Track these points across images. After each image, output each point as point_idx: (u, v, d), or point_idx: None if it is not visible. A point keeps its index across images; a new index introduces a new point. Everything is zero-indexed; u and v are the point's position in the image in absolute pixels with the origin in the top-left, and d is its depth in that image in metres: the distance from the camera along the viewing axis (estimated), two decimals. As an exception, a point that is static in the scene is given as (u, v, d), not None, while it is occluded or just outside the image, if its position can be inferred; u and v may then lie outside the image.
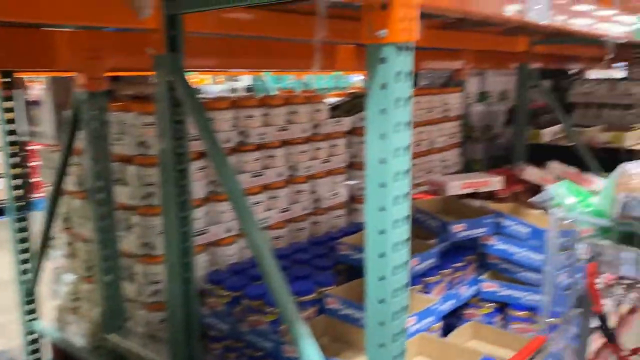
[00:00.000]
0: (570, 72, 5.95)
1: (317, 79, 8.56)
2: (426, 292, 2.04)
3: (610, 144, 3.77)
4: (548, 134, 3.97)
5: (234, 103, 2.35)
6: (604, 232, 1.11)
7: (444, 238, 2.18)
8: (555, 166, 3.34)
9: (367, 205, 1.18)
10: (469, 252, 2.29)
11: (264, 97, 2.58)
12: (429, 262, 2.03)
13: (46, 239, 2.45)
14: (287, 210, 2.52)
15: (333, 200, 2.76)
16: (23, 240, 2.58)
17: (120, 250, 2.14)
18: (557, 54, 4.65)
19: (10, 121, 2.48)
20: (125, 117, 2.12)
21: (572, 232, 1.19)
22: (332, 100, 3.29)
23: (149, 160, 2.06)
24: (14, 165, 2.51)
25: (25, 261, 2.59)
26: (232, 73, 7.55)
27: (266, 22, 2.13)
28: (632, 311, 1.51)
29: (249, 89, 8.16)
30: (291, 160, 2.57)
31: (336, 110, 3.06)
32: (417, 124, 3.41)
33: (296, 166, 2.57)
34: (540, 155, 3.83)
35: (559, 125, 4.02)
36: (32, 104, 2.76)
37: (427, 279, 2.05)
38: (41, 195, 2.63)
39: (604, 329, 1.17)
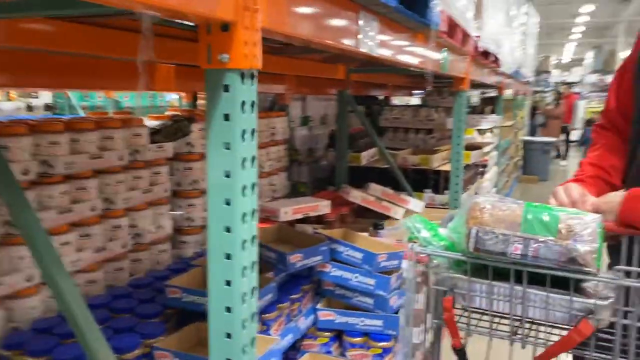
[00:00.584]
0: (379, 99, 6.44)
1: (130, 97, 7.97)
2: (266, 331, 1.93)
3: (420, 165, 4.09)
4: (366, 157, 4.17)
5: (35, 127, 1.99)
6: (457, 265, 1.12)
7: (281, 269, 2.09)
8: (375, 187, 3.51)
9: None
10: (305, 281, 2.24)
11: (72, 120, 2.24)
12: (268, 298, 1.92)
13: None
14: (102, 250, 2.20)
15: (156, 234, 2.50)
16: None
17: None
18: (368, 82, 4.96)
19: None
20: None
21: (427, 264, 1.17)
22: (152, 122, 3.02)
23: None
24: None
25: None
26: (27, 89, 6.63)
27: (75, 36, 1.83)
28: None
29: (49, 106, 7.25)
30: (106, 191, 2.26)
31: (157, 135, 2.81)
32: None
33: (112, 198, 2.27)
34: (360, 177, 4.03)
35: (374, 149, 4.25)
36: None
37: (266, 315, 1.93)
38: None
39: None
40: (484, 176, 5.26)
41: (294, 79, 3.92)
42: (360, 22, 1.62)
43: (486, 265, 1.08)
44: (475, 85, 6.18)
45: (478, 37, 3.63)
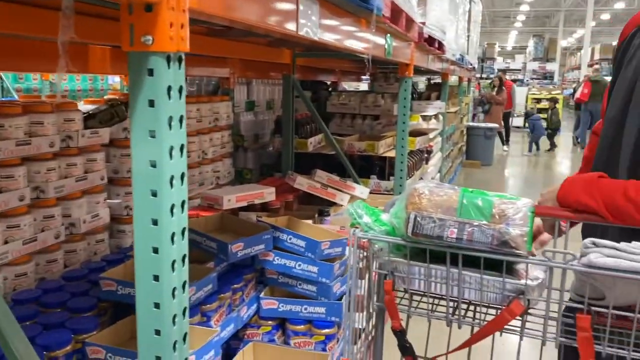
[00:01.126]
0: (327, 84, 6.41)
1: (68, 79, 7.60)
2: (206, 322, 1.88)
3: (366, 152, 4.10)
4: (312, 143, 4.15)
5: (-48, 112, 1.86)
6: (397, 249, 1.11)
7: (222, 259, 2.05)
8: (321, 174, 3.50)
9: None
10: (248, 270, 2.20)
11: (-4, 104, 2.10)
12: (208, 289, 1.87)
13: None
14: (33, 241, 2.09)
15: (92, 223, 2.40)
16: None
17: None
18: (315, 67, 4.93)
19: None
20: None
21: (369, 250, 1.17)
22: (87, 107, 2.88)
23: None
24: None
25: None
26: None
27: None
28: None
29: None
30: (36, 180, 2.14)
31: (91, 120, 2.68)
32: (187, 134, 3.23)
33: (43, 187, 2.16)
34: (307, 163, 4.01)
35: (321, 135, 4.24)
36: None
37: (206, 307, 1.89)
38: None
39: (402, 343, 1.18)
40: (429, 162, 5.36)
41: (238, 62, 3.84)
42: (301, 6, 1.58)
43: (425, 249, 1.08)
44: (422, 71, 6.27)
45: (423, 23, 3.65)
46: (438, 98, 6.48)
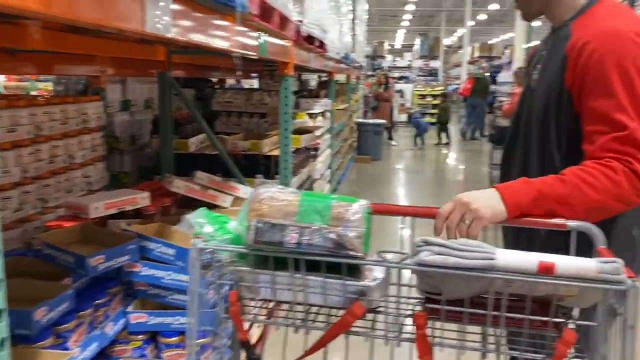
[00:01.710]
0: (213, 81, 6.27)
1: None
2: (62, 344, 1.73)
3: (250, 151, 4.04)
4: (194, 143, 4.01)
5: None
6: (242, 257, 1.07)
7: (81, 274, 1.90)
8: (201, 176, 3.38)
9: None
10: (113, 284, 2.07)
11: None
12: (63, 308, 1.72)
13: None
14: None
15: None
16: None
17: None
18: (196, 64, 4.78)
19: None
20: None
21: (215, 260, 1.11)
22: None
23: None
24: None
25: None
26: None
27: None
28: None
29: None
30: None
31: None
32: (50, 137, 2.98)
33: None
34: (189, 164, 3.86)
35: (203, 134, 4.11)
36: None
37: (61, 327, 1.74)
38: None
39: (250, 355, 1.14)
40: (317, 159, 5.41)
41: (109, 60, 3.61)
42: (147, 2, 1.49)
43: (268, 257, 1.05)
44: (313, 69, 6.32)
45: (300, 21, 3.66)
46: (327, 96, 6.58)
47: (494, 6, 23.59)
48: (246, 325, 1.29)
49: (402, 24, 31.25)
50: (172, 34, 1.67)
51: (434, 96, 15.75)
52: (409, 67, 25.61)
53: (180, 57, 4.04)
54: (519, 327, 1.02)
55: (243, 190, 3.62)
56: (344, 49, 6.29)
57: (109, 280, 2.06)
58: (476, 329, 1.05)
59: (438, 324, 1.08)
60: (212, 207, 3.28)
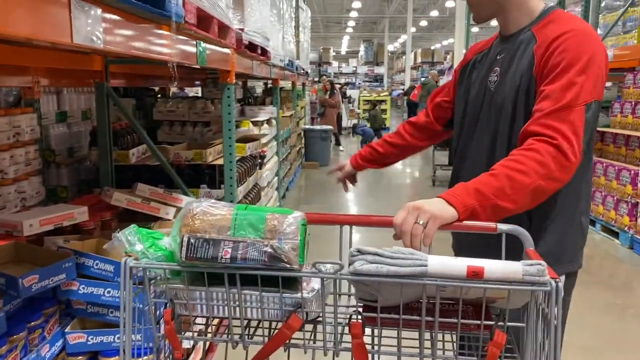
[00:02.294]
0: (155, 90, 6.13)
1: None
2: (-9, 370, 1.65)
3: (194, 161, 3.98)
4: (135, 154, 3.91)
5: None
6: (177, 274, 1.05)
7: (13, 296, 1.81)
8: (143, 188, 3.30)
9: None
10: (49, 304, 1.98)
11: None
12: (-8, 332, 1.63)
13: None
14: None
15: None
16: None
17: None
18: (136, 73, 4.66)
19: None
20: None
21: (148, 278, 1.09)
22: None
23: None
24: None
25: None
26: None
27: None
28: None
29: None
30: None
31: None
32: (-21, 152, 2.84)
33: None
34: (130, 176, 3.76)
35: (144, 145, 4.02)
36: None
37: (-9, 353, 1.65)
38: None
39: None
40: (264, 167, 5.38)
41: (43, 70, 3.47)
42: (74, 13, 1.44)
43: (202, 273, 1.03)
44: (257, 77, 6.29)
45: (242, 29, 3.64)
46: (272, 103, 6.56)
47: (434, 13, 24.26)
48: (189, 343, 1.26)
49: (347, 30, 31.65)
50: (104, 45, 1.63)
51: (379, 102, 15.99)
52: (354, 73, 25.93)
53: (119, 66, 3.94)
54: (454, 330, 1.04)
55: (186, 201, 3.55)
56: (288, 56, 6.30)
57: (44, 300, 1.98)
58: (417, 335, 1.07)
59: (384, 333, 1.09)
60: (155, 219, 3.21)
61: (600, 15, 7.28)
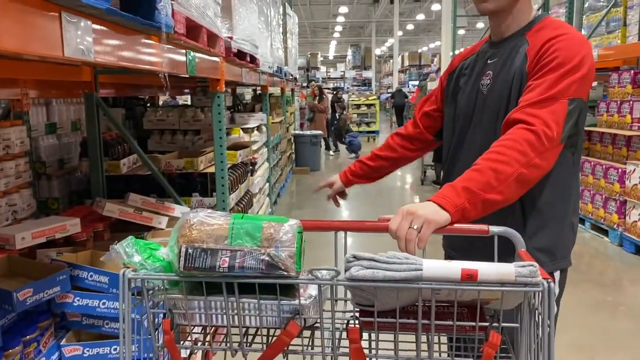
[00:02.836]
0: (145, 100, 6.12)
1: None
2: (-12, 386, 1.64)
3: (185, 169, 3.98)
4: (126, 164, 3.91)
5: None
6: (175, 284, 1.05)
7: (8, 310, 1.80)
8: (134, 197, 3.30)
9: None
10: (43, 317, 1.98)
11: None
12: (-13, 347, 1.63)
13: None
14: None
15: None
16: None
17: None
18: (125, 83, 4.66)
19: None
20: None
21: (147, 289, 1.09)
22: None
23: None
24: None
25: None
26: None
27: None
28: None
29: None
30: None
31: None
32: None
33: None
34: (123, 186, 3.75)
35: (135, 155, 4.01)
36: None
37: (-13, 368, 1.64)
38: None
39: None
40: (255, 173, 5.39)
41: (32, 82, 3.46)
42: (65, 26, 1.45)
43: (200, 283, 1.04)
44: (246, 84, 6.30)
45: (230, 38, 3.65)
46: (261, 110, 6.57)
47: (420, 16, 24.42)
48: (186, 352, 1.27)
49: (334, 35, 31.76)
50: (95, 57, 1.64)
51: (368, 105, 16.06)
52: (342, 78, 26.01)
53: (108, 76, 3.93)
54: (450, 332, 1.06)
55: (179, 210, 3.55)
56: (276, 63, 6.32)
57: (39, 313, 1.97)
58: (414, 338, 1.09)
59: (382, 337, 1.10)
60: (147, 229, 3.21)
61: (584, 16, 7.38)
